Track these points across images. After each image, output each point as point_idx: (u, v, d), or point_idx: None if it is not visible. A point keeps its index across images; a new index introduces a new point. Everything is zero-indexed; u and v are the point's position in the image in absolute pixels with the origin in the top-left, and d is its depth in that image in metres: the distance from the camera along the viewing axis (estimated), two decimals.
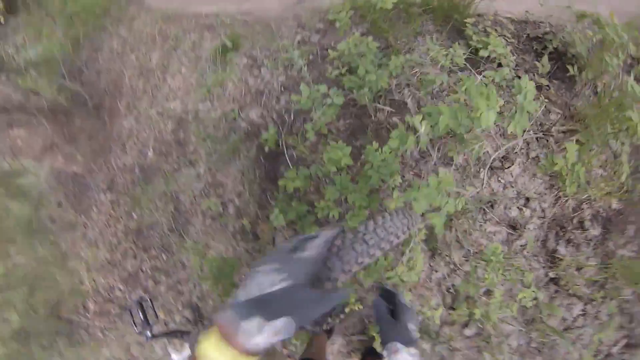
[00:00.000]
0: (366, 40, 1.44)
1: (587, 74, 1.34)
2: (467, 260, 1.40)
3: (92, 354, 2.37)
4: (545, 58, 1.17)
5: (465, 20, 1.41)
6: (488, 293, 1.40)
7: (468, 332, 1.44)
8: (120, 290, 2.50)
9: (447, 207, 0.95)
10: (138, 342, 2.38)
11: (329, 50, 1.65)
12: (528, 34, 1.50)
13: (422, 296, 1.44)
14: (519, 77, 1.15)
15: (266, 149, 1.90)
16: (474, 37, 1.37)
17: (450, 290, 1.45)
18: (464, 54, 1.32)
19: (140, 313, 1.44)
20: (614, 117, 1.22)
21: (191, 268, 2.25)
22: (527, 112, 0.97)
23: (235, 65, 2.32)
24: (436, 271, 1.43)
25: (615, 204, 1.40)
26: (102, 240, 2.57)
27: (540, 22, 1.54)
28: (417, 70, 1.64)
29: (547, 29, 1.51)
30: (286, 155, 1.97)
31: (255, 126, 2.18)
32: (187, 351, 1.32)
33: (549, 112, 1.46)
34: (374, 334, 1.36)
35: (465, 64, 1.32)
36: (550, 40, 1.43)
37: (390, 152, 1.04)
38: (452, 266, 1.41)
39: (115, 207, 2.59)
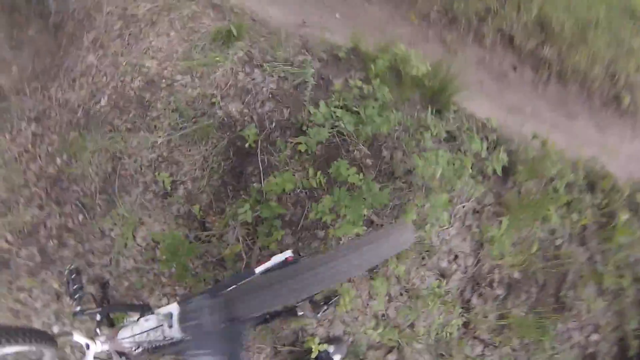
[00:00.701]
0: (384, 89, 1.66)
1: (519, 177, 1.80)
2: (401, 294, 1.65)
3: None
4: (503, 154, 1.59)
5: (451, 107, 1.77)
6: (412, 325, 1.66)
7: (390, 357, 1.65)
8: (7, 242, 2.10)
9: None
10: (12, 310, 2.01)
11: (334, 81, 1.81)
12: (485, 135, 1.95)
13: (356, 319, 1.61)
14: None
15: (246, 145, 1.91)
16: (452, 121, 1.73)
17: (384, 317, 1.66)
18: (446, 131, 1.65)
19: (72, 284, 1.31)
20: (533, 212, 1.69)
21: (113, 239, 2.05)
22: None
23: (231, 54, 2.31)
24: (374, 299, 1.63)
25: (516, 274, 1.86)
26: (3, 176, 2.16)
27: (494, 129, 2.01)
28: (397, 128, 1.93)
29: (498, 136, 1.99)
30: (259, 157, 2.01)
31: (232, 120, 2.16)
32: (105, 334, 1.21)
33: (486, 195, 1.88)
34: (312, 346, 1.45)
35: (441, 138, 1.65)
36: (500, 144, 1.89)
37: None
38: (387, 297, 1.63)
39: (36, 144, 2.23)
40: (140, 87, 2.32)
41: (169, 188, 2.05)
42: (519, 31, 2.50)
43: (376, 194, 1.40)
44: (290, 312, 1.18)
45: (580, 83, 2.46)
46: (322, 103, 1.65)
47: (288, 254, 1.17)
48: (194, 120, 2.16)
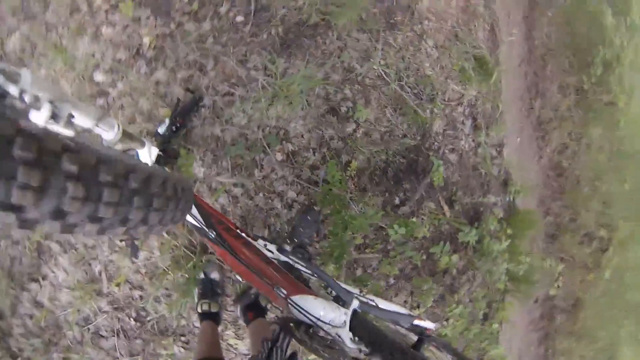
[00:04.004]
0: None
1: None
2: None
3: None
4: None
5: None
6: None
7: None
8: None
9: None
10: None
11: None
12: None
13: None
14: None
15: (433, 179, 1.75)
16: None
17: None
18: None
19: None
20: None
21: (247, 92, 1.54)
22: None
23: (471, 87, 2.13)
24: None
25: None
26: None
27: None
28: None
29: None
30: (420, 185, 1.83)
31: (426, 133, 1.93)
32: None
33: None
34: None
35: None
36: None
37: None
38: None
39: None
40: (402, 2, 1.94)
41: (342, 110, 1.70)
42: None
43: None
44: None
45: None
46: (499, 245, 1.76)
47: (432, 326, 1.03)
48: (409, 92, 1.89)
